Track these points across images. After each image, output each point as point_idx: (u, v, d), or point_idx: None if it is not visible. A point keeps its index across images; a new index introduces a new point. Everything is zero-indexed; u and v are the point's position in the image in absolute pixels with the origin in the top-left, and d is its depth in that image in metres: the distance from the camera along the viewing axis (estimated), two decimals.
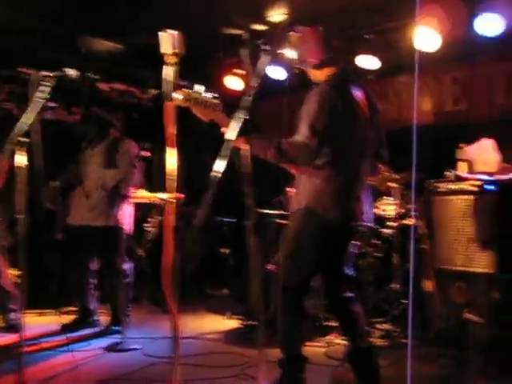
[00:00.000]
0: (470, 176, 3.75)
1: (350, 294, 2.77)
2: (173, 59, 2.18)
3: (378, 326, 4.11)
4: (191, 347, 3.87)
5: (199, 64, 4.20)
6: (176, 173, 2.10)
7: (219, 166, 2.14)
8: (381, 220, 4.33)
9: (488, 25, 4.04)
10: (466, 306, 3.59)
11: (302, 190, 2.63)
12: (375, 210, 4.12)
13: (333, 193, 2.53)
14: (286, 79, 4.95)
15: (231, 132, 2.29)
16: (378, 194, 4.31)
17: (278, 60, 4.21)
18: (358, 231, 2.70)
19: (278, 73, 5.08)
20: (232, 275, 4.70)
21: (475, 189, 3.69)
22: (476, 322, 3.49)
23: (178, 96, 2.36)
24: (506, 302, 3.44)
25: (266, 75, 2.77)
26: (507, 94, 4.76)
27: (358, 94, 2.61)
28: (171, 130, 2.11)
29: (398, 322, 4.11)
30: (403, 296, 4.18)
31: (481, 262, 3.60)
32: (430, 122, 4.35)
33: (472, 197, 3.69)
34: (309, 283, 2.73)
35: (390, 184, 4.20)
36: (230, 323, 4.51)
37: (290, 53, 2.60)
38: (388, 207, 4.32)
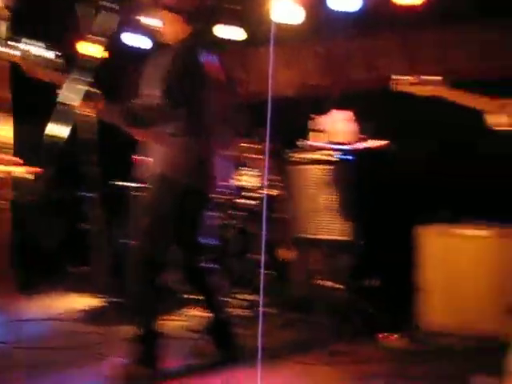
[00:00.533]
0: (322, 145, 3.80)
1: (208, 265, 2.77)
2: (4, 12, 2.02)
3: (241, 296, 4.07)
4: (45, 328, 3.70)
5: (52, 23, 4.00)
6: (12, 142, 1.86)
7: (53, 130, 2.04)
8: (244, 191, 4.17)
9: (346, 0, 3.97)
10: (323, 273, 3.69)
11: (156, 156, 2.57)
12: (238, 182, 4.06)
13: (186, 157, 2.50)
14: (152, 48, 4.68)
15: (67, 94, 2.18)
16: (243, 165, 4.23)
17: (140, 28, 4.12)
18: (213, 198, 2.69)
19: (141, 41, 4.84)
20: (91, 251, 4.36)
21: (330, 158, 3.74)
22: (332, 287, 3.60)
23: (12, 52, 2.21)
24: (360, 269, 3.58)
25: (123, 41, 2.83)
26: (364, 69, 4.83)
27: (212, 59, 2.60)
28: (5, 93, 1.86)
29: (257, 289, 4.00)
30: (265, 266, 3.91)
31: (336, 230, 3.70)
32: (291, 95, 4.27)
33: (327, 167, 3.75)
34: (165, 255, 2.68)
35: (252, 155, 4.14)
36: (92, 301, 4.32)
37: (149, 20, 2.65)
38: (250, 178, 4.18)
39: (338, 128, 3.87)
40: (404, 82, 2.37)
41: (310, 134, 3.89)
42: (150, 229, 2.58)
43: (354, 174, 3.58)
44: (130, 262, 2.56)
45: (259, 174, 4.04)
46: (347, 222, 3.56)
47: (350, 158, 3.59)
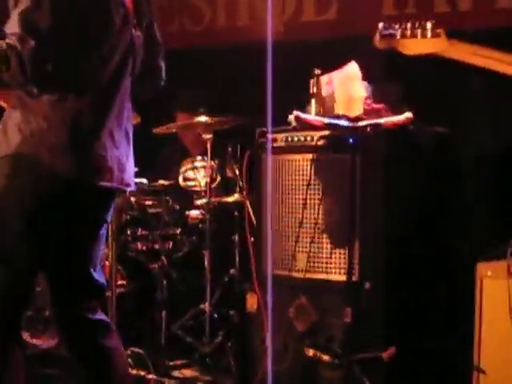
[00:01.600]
0: (321, 120, 3.19)
1: (101, 317, 2.30)
2: None
3: (174, 371, 3.48)
4: None
5: None
6: None
7: None
8: (183, 194, 3.82)
9: None
10: (310, 335, 3.10)
11: (9, 127, 2.15)
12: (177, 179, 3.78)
13: (62, 129, 2.11)
14: None
15: None
16: (183, 152, 4.07)
17: None
18: (115, 197, 2.33)
19: None
20: None
21: (329, 143, 3.16)
22: (324, 360, 3.00)
23: None
24: (370, 329, 2.94)
25: None
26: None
27: None
28: None
29: (210, 366, 3.48)
30: (219, 322, 3.59)
31: (335, 265, 3.13)
32: (279, 38, 3.32)
33: (325, 156, 3.17)
34: (27, 286, 2.18)
35: (196, 136, 3.86)
36: None
37: None
38: (195, 173, 3.75)
39: (349, 92, 3.28)
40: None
41: (310, 101, 3.35)
42: None
43: (372, 169, 3.02)
44: None
45: (210, 165, 3.64)
46: (352, 250, 3.02)
47: (355, 142, 3.01)
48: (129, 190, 2.32)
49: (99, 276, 2.29)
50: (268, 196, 3.28)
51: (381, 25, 2.51)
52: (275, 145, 3.33)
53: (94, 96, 2.18)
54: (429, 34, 2.50)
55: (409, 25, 2.53)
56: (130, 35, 2.26)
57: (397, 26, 2.52)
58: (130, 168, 2.29)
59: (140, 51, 2.33)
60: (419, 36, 2.51)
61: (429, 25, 2.50)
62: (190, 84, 4.12)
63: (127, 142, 2.28)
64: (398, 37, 2.49)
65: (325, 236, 3.14)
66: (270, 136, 3.31)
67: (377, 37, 2.50)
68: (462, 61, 2.50)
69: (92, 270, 2.27)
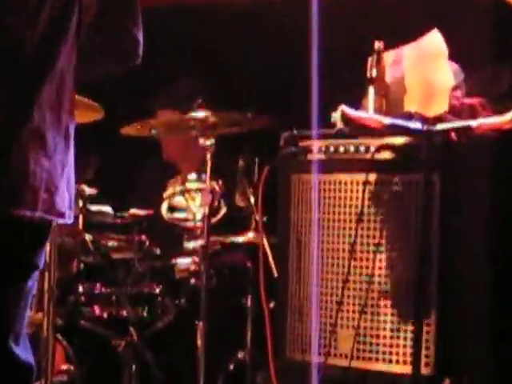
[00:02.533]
0: (381, 121, 3.32)
1: None
2: None
3: None
4: None
5: None
6: None
7: None
8: (168, 232, 3.97)
9: None
10: None
11: None
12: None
13: None
14: None
15: None
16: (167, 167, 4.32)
17: None
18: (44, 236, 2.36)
19: None
20: None
21: (393, 156, 3.33)
22: None
23: None
24: None
25: None
26: None
27: None
28: None
29: None
30: None
31: (397, 349, 3.26)
32: None
33: (385, 176, 3.32)
34: None
35: (189, 143, 4.15)
36: None
37: None
38: (187, 200, 3.84)
39: (432, 78, 3.40)
40: None
41: (368, 92, 3.48)
42: None
43: (461, 196, 3.20)
44: None
45: (203, 188, 3.79)
46: (423, 326, 3.12)
47: (448, 153, 3.23)
48: (63, 221, 2.33)
49: (24, 351, 2.31)
50: (301, 235, 3.38)
51: None
52: (310, 157, 3.45)
53: (8, 75, 2.20)
54: None
55: None
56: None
57: None
58: (69, 188, 2.31)
59: (92, 3, 2.37)
60: None
61: None
62: (181, 67, 4.25)
63: (66, 146, 2.29)
64: None
65: (383, 303, 3.24)
66: (314, 143, 3.40)
67: None
68: None
69: (11, 343, 2.30)
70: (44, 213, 2.22)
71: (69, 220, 2.35)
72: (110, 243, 3.77)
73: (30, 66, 2.25)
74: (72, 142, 2.36)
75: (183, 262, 3.87)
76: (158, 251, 3.82)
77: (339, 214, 3.43)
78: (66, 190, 2.30)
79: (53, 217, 2.27)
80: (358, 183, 3.34)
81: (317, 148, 3.45)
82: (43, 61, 2.27)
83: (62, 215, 2.29)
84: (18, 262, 2.30)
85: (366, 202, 3.32)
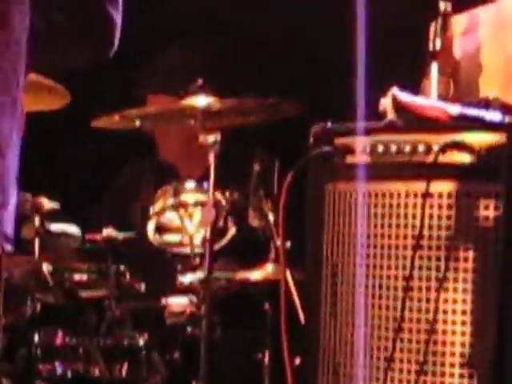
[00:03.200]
0: (447, 110, 3.34)
1: None
2: None
3: None
4: None
5: None
6: None
7: None
8: (156, 261, 4.15)
9: None
10: None
11: None
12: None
13: None
14: None
15: None
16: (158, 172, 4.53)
17: None
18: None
19: None
20: None
21: (463, 158, 3.37)
22: None
23: None
24: None
25: None
26: None
27: None
28: None
29: None
30: None
31: None
32: None
33: (454, 185, 3.39)
34: None
35: (187, 139, 4.31)
36: None
37: None
38: (181, 217, 3.92)
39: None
40: None
41: (431, 70, 3.55)
42: None
43: None
44: None
45: (204, 200, 3.90)
46: None
47: None
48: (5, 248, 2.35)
49: None
50: (338, 267, 3.43)
51: None
52: (350, 160, 3.49)
53: None
54: None
55: None
56: None
57: None
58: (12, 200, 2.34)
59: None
60: None
61: None
62: (174, 40, 4.31)
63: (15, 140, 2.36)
64: None
65: (448, 360, 3.23)
66: (357, 141, 3.45)
67: None
68: None
69: None
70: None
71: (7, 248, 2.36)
72: (77, 276, 3.78)
73: None
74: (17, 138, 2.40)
75: (176, 302, 3.87)
76: (141, 287, 3.83)
77: (390, 237, 3.43)
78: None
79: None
80: (415, 195, 3.36)
81: (360, 147, 3.48)
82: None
83: (8, 239, 2.34)
84: None
85: (427, 222, 3.36)
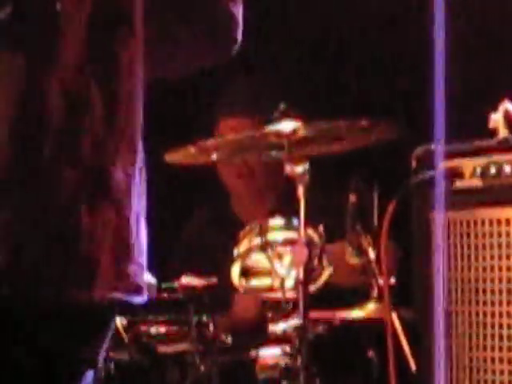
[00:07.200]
0: None
1: None
2: None
3: None
4: None
5: None
6: None
7: None
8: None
9: None
10: None
11: None
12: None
13: None
14: None
15: None
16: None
17: None
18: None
19: None
20: None
21: None
22: None
23: None
24: None
25: None
26: None
27: None
28: None
29: None
30: None
31: None
32: None
33: None
34: None
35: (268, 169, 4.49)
36: None
37: None
38: (269, 259, 3.83)
39: None
40: None
41: None
42: None
43: None
44: None
45: (294, 239, 3.80)
46: None
47: None
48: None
49: None
50: (451, 304, 3.37)
51: None
52: (459, 184, 3.47)
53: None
54: None
55: None
56: None
57: None
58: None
59: None
60: None
61: None
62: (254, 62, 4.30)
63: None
64: None
65: None
66: (465, 163, 3.42)
67: None
68: None
69: None
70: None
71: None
72: (154, 330, 3.71)
73: None
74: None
75: (269, 354, 3.77)
76: (228, 339, 3.74)
77: (508, 269, 3.37)
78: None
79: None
80: None
81: (469, 170, 3.48)
82: None
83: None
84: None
85: None
